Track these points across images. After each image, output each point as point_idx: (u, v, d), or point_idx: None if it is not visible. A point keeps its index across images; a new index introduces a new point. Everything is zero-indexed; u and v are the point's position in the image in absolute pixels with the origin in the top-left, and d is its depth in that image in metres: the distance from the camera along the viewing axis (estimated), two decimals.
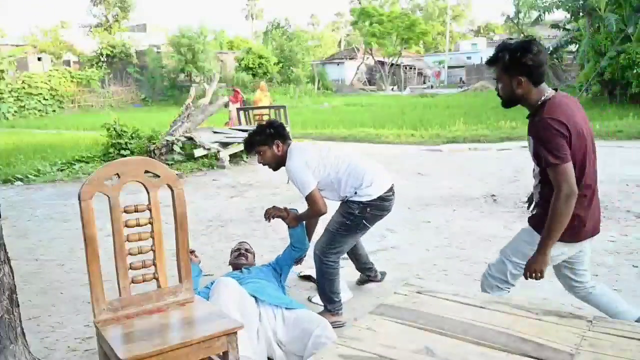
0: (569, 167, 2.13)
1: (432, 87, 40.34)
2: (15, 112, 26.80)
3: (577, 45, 20.90)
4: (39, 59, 31.94)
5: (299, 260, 3.43)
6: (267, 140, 3.15)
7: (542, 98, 2.24)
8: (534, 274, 2.32)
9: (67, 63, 34.25)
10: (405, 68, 42.62)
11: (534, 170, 2.38)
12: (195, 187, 7.73)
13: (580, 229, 2.31)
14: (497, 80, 2.34)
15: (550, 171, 2.16)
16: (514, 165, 8.10)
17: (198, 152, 9.47)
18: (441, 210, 5.79)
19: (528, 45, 2.20)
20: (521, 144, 10.09)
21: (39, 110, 27.84)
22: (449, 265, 4.12)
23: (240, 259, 3.37)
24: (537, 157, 2.21)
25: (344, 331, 2.28)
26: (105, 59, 32.96)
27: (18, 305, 2.46)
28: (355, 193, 3.07)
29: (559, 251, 2.38)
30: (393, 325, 1.78)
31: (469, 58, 45.60)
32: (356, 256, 3.62)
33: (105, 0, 42.51)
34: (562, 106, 2.20)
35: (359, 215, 3.08)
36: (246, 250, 3.48)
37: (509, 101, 2.34)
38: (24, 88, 27.45)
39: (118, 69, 32.67)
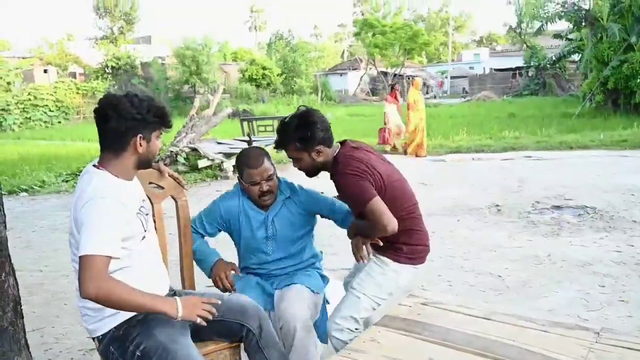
0: (378, 200, 2.13)
1: (435, 97, 40.36)
2: (21, 123, 26.95)
3: (580, 55, 20.93)
4: (45, 71, 32.17)
5: None
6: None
7: (333, 155, 2.26)
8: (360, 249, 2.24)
9: (73, 75, 34.48)
10: (408, 78, 42.71)
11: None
12: (199, 197, 7.73)
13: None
14: (293, 159, 2.29)
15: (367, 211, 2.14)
16: (517, 175, 8.08)
17: (202, 163, 9.49)
18: (445, 221, 5.77)
19: (310, 117, 2.20)
20: (525, 154, 10.09)
21: (45, 122, 27.97)
22: (453, 276, 4.10)
23: (265, 200, 2.42)
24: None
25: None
26: (111, 71, 33.17)
27: (22, 317, 2.46)
28: None
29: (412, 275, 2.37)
30: (397, 336, 1.77)
31: (471, 68, 45.68)
32: None
33: (111, 13, 42.85)
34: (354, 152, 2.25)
35: None
36: (269, 179, 2.38)
37: (313, 172, 2.31)
38: (30, 100, 27.61)
39: (123, 80, 32.84)
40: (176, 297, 1.80)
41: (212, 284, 2.42)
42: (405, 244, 2.27)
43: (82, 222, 1.70)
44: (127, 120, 1.81)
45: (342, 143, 2.30)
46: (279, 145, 2.27)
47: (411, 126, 10.77)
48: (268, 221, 2.44)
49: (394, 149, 11.35)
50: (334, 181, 2.24)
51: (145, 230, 1.92)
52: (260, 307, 2.14)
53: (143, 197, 2.02)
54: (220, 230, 2.53)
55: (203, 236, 2.52)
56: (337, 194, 2.38)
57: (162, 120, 1.90)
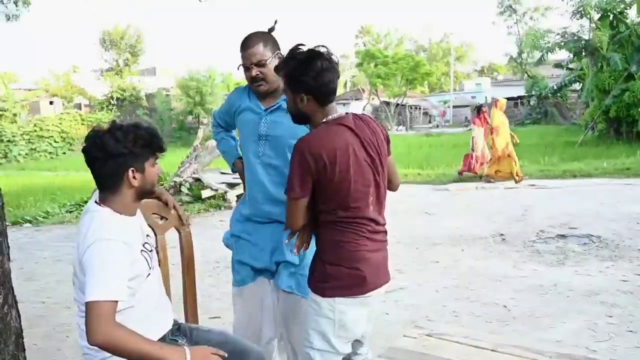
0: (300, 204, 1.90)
1: (437, 126, 40.65)
2: (26, 154, 27.23)
3: (581, 84, 21.13)
4: (51, 102, 32.64)
5: None
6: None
7: (325, 120, 1.93)
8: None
9: (78, 106, 34.90)
10: (411, 108, 43.07)
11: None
12: (203, 228, 7.72)
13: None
14: (284, 91, 2.01)
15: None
16: (521, 203, 8.06)
17: (205, 193, 9.51)
18: (449, 250, 5.74)
19: (312, 60, 1.86)
20: (528, 182, 10.07)
21: (50, 153, 28.26)
22: (458, 307, 4.06)
23: (257, 86, 2.31)
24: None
25: None
26: (116, 102, 33.59)
27: (24, 350, 2.43)
28: None
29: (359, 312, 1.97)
30: None
31: (473, 97, 45.95)
32: None
33: (116, 46, 43.61)
34: (326, 133, 1.90)
35: None
36: (259, 64, 2.25)
37: (297, 117, 2.00)
38: (35, 131, 27.95)
39: (128, 111, 33.23)
40: (185, 347, 1.74)
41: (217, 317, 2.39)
42: (330, 263, 1.91)
43: (87, 266, 1.68)
44: (115, 157, 1.76)
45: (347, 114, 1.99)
46: (280, 66, 1.96)
47: (498, 152, 9.99)
48: (263, 117, 2.33)
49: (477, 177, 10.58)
50: None
51: (150, 268, 1.88)
52: (263, 354, 2.09)
53: (147, 231, 1.99)
54: (234, 121, 2.52)
55: (223, 128, 2.60)
56: None
57: (152, 147, 1.83)
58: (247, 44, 2.26)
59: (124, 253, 1.72)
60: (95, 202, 1.84)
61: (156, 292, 1.94)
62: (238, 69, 2.35)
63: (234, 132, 2.67)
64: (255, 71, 2.24)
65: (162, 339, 1.90)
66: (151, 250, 1.93)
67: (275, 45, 2.30)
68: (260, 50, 2.24)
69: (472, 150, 10.69)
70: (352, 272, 1.89)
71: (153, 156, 1.85)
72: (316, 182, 1.85)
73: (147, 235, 1.97)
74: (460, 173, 11.00)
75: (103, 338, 1.58)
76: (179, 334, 2.00)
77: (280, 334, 2.45)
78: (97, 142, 1.76)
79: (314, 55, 1.87)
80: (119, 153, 1.75)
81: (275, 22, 2.33)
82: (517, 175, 9.95)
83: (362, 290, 1.90)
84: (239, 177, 2.60)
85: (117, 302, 1.64)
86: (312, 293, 1.97)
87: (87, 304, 1.61)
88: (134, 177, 1.79)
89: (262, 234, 2.37)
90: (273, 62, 2.23)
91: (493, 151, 10.10)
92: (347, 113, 1.98)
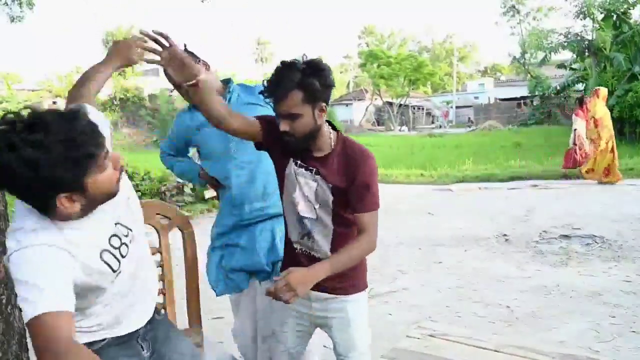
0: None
1: (440, 127, 40.63)
2: None
3: (584, 85, 21.11)
4: (54, 102, 32.70)
5: None
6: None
7: (330, 131, 1.81)
8: (288, 293, 1.60)
9: None
10: (414, 108, 43.07)
11: (317, 220, 1.84)
12: (206, 228, 7.73)
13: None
14: (287, 117, 1.68)
15: (370, 215, 1.78)
16: (524, 204, 8.05)
17: (208, 194, 9.51)
18: (452, 251, 5.73)
19: (320, 64, 1.68)
20: (531, 183, 10.05)
21: None
22: (461, 307, 4.05)
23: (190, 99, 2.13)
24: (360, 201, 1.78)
25: None
26: (119, 103, 33.66)
27: (27, 350, 2.44)
28: None
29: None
30: None
31: (476, 98, 46.01)
32: None
33: None
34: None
35: None
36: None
37: (307, 140, 1.74)
38: None
39: (131, 111, 33.29)
40: None
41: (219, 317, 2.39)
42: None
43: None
44: (36, 182, 1.24)
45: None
46: (276, 90, 1.65)
47: (602, 145, 9.08)
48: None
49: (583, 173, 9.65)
50: (352, 164, 1.78)
51: (115, 272, 1.47)
52: None
53: (120, 213, 1.52)
54: (189, 146, 2.52)
55: (173, 156, 2.58)
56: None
57: (85, 158, 1.26)
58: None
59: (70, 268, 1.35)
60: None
61: (126, 291, 1.58)
62: (172, 92, 2.32)
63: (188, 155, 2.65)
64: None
65: (133, 335, 1.65)
66: (122, 244, 1.50)
67: (194, 55, 2.27)
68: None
69: (574, 144, 9.83)
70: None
71: (94, 163, 1.29)
72: None
73: (117, 224, 1.51)
74: (566, 176, 10.19)
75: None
76: (147, 339, 1.71)
77: (273, 330, 2.44)
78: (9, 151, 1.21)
79: (316, 60, 1.71)
80: (39, 178, 1.23)
81: (185, 45, 2.30)
82: (614, 172, 9.18)
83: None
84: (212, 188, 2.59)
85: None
86: (353, 295, 1.89)
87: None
88: (72, 201, 1.31)
89: (252, 236, 2.36)
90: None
91: (595, 145, 9.20)
92: None
